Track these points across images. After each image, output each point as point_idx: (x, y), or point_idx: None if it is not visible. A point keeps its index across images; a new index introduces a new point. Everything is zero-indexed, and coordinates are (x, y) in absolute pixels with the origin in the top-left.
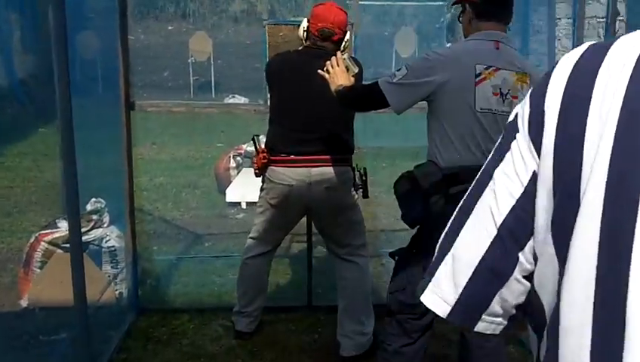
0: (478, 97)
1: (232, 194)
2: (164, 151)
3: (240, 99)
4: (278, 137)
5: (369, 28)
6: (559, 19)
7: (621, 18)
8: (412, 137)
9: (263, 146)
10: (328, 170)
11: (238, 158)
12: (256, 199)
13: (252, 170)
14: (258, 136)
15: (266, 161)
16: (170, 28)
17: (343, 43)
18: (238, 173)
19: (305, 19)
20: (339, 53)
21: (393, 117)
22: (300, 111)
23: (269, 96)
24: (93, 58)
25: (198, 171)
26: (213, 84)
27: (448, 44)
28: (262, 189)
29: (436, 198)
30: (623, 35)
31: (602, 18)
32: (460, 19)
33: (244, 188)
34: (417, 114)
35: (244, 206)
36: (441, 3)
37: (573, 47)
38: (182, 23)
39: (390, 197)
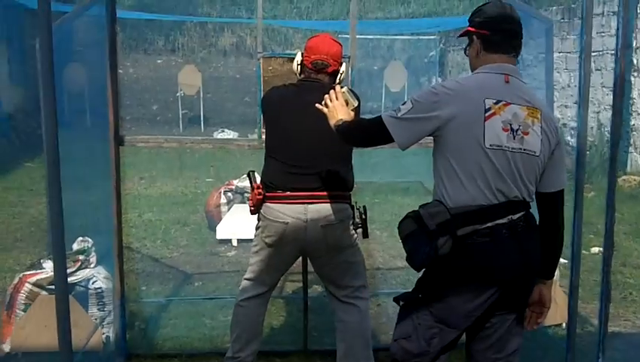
0: (487, 133)
1: (223, 231)
2: (153, 186)
3: (230, 134)
4: (274, 173)
5: (358, 62)
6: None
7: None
8: (402, 173)
9: (258, 182)
10: (326, 208)
11: (229, 194)
12: (247, 236)
13: (244, 206)
14: (254, 171)
15: (261, 197)
16: (159, 61)
17: (339, 75)
18: (229, 210)
19: (299, 52)
20: (337, 87)
21: (383, 152)
22: (296, 146)
23: (263, 130)
24: (80, 91)
25: (188, 207)
26: (202, 118)
27: (439, 79)
28: (257, 227)
29: (444, 240)
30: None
31: (595, 52)
32: (467, 51)
33: (236, 224)
34: (409, 149)
35: (235, 243)
36: (430, 37)
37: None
38: (171, 56)
39: (384, 234)
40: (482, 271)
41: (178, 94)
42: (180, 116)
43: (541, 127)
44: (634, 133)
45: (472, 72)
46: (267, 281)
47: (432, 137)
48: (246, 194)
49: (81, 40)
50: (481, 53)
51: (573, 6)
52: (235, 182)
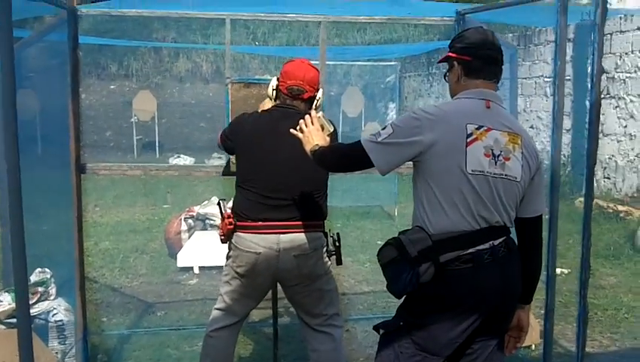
0: (469, 158)
1: (184, 258)
2: (108, 214)
3: (186, 159)
4: (246, 203)
5: None
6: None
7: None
8: (361, 197)
9: (228, 211)
10: (299, 237)
11: (190, 221)
12: (209, 263)
13: (205, 233)
14: (224, 200)
15: (232, 227)
16: (112, 87)
17: (316, 101)
18: (189, 237)
19: (274, 78)
20: (313, 112)
21: (340, 177)
22: (270, 176)
23: (231, 158)
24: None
25: (146, 235)
26: (157, 144)
27: (393, 104)
28: (228, 257)
29: (426, 267)
30: None
31: (549, 78)
32: (447, 77)
33: (197, 252)
34: (363, 174)
35: (197, 271)
36: (385, 64)
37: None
38: (125, 82)
39: (349, 259)
40: (465, 298)
41: (132, 120)
42: (135, 142)
43: (522, 153)
44: None
45: (452, 97)
46: (238, 311)
47: (410, 162)
48: (207, 221)
49: (33, 66)
50: (462, 78)
51: (528, 33)
52: (196, 208)
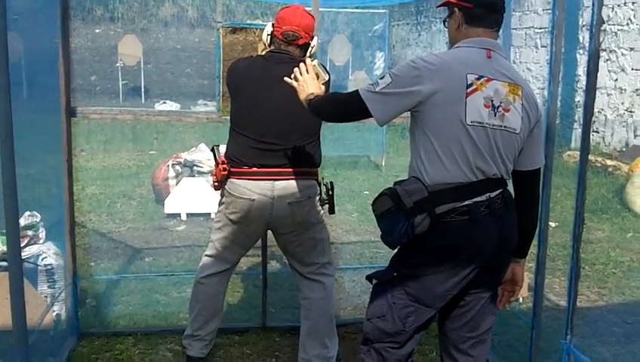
0: (468, 110)
1: (172, 205)
2: (95, 158)
3: (172, 105)
4: (240, 148)
5: None
6: None
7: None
8: (349, 147)
9: (222, 157)
10: (293, 184)
11: (178, 167)
12: (197, 210)
13: (193, 179)
14: (218, 146)
15: (226, 173)
16: (97, 31)
17: (310, 48)
18: (177, 183)
19: (269, 24)
20: (308, 60)
21: (328, 126)
22: (264, 121)
23: (228, 103)
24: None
25: (133, 180)
26: (143, 90)
27: (381, 53)
28: (220, 203)
29: (421, 218)
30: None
31: (539, 29)
32: (446, 23)
33: (185, 198)
34: (356, 124)
35: (184, 217)
36: (373, 11)
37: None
38: (110, 25)
39: (336, 208)
40: (460, 250)
41: (118, 65)
42: (121, 87)
43: (522, 105)
44: (578, 109)
45: (451, 45)
46: (229, 258)
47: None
48: (195, 168)
49: (17, 8)
50: (463, 26)
51: None
52: (184, 155)
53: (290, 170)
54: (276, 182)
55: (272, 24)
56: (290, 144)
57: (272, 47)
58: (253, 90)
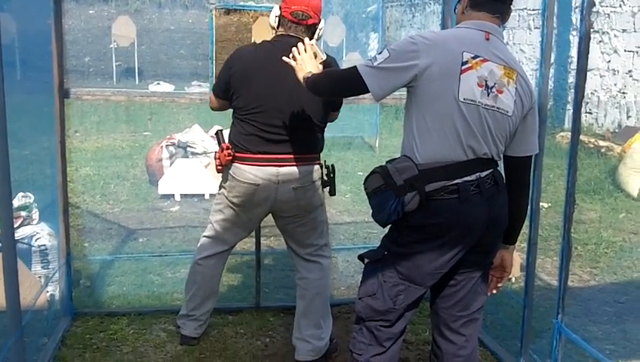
0: (462, 86)
1: (166, 186)
2: (88, 139)
3: (165, 87)
4: (245, 135)
5: None
6: None
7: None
8: (342, 128)
9: (226, 142)
10: (297, 170)
11: (171, 148)
12: (190, 191)
13: (187, 160)
14: (222, 130)
15: (231, 158)
16: (91, 12)
17: (318, 31)
18: (171, 164)
19: (276, 5)
20: (306, 39)
21: None
22: (271, 110)
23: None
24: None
25: (127, 161)
26: (136, 71)
27: (375, 34)
28: (222, 186)
29: (411, 196)
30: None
31: (532, 10)
32: (456, 9)
33: (179, 179)
34: (349, 105)
35: (178, 198)
36: None
37: None
38: (103, 7)
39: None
40: (449, 229)
41: (111, 46)
42: (114, 68)
43: (516, 89)
44: (571, 90)
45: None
46: (228, 240)
47: (396, 93)
48: (189, 149)
49: None
50: (467, 10)
51: None
52: (178, 136)
53: (295, 156)
54: (281, 168)
55: (280, 6)
56: (296, 132)
57: (281, 29)
58: (261, 79)
